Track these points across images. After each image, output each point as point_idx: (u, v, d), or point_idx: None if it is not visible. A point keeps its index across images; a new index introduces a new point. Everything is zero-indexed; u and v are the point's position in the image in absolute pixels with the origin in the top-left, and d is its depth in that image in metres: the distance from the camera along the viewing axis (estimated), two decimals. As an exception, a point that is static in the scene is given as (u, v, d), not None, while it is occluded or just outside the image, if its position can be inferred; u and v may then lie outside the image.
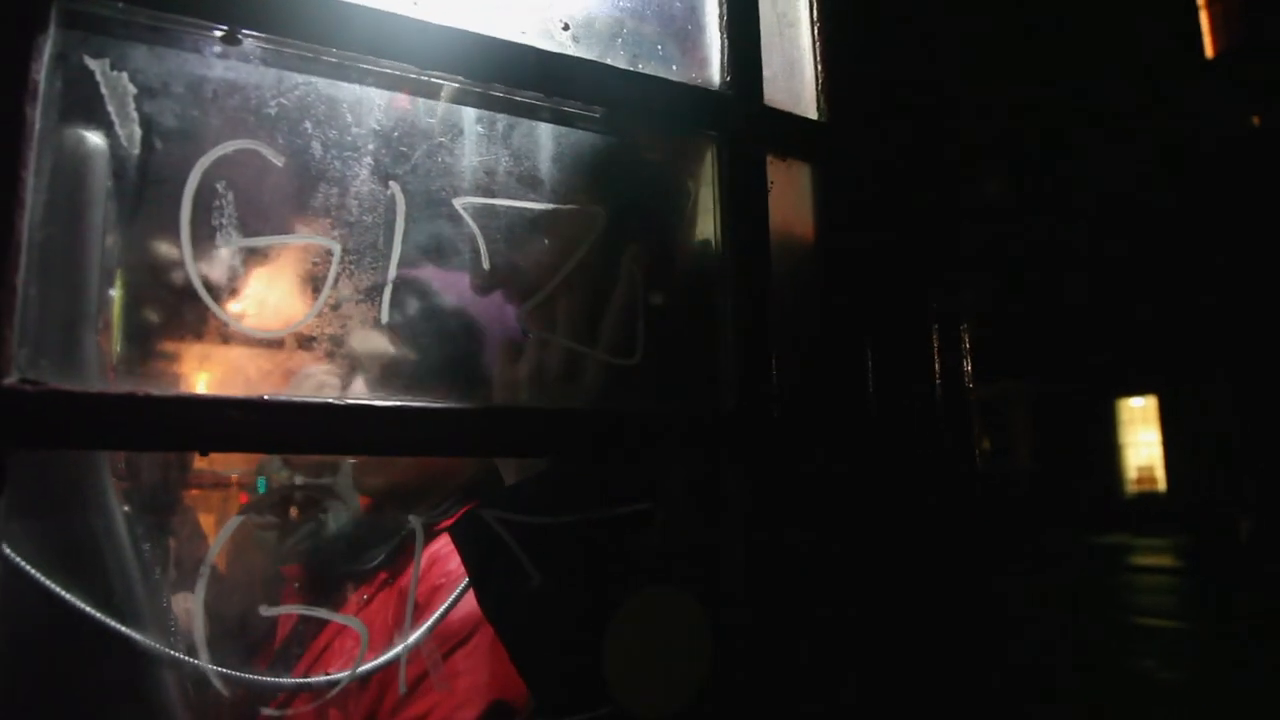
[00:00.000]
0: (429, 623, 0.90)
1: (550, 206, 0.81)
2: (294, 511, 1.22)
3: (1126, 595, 11.23)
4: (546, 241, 0.80)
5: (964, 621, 0.97)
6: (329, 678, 0.82)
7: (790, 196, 0.99)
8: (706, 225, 0.92)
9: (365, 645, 0.79)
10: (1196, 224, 14.52)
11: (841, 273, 1.00)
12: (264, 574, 1.15)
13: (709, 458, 0.86)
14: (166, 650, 0.70)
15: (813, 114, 1.02)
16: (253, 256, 0.72)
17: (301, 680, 0.85)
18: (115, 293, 1.01)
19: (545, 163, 0.82)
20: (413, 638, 0.82)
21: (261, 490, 1.49)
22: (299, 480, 1.42)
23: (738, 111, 0.92)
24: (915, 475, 0.96)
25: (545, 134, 0.83)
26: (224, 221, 0.70)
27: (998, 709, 0.98)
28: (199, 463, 1.57)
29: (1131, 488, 17.80)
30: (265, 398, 0.65)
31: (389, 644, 1.18)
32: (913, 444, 0.98)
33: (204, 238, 0.69)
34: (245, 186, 0.71)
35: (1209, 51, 16.42)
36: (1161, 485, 17.09)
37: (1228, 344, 14.25)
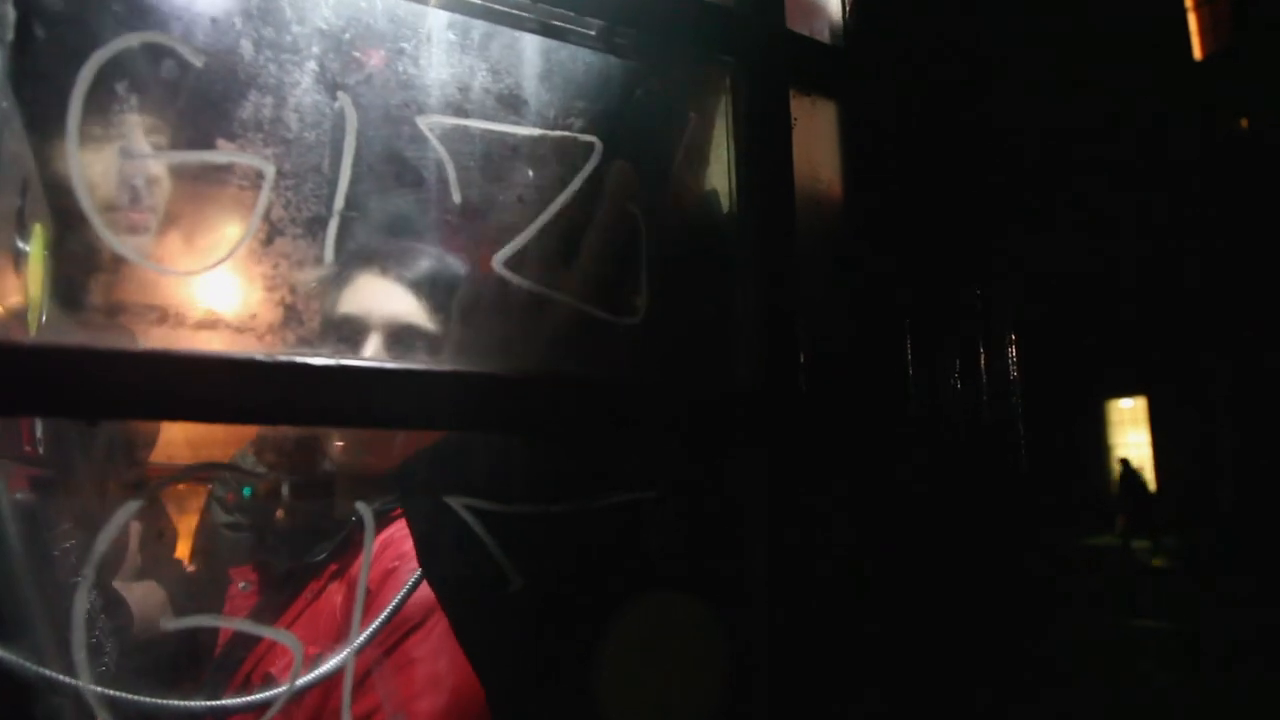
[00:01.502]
0: (371, 629, 0.76)
1: (536, 132, 0.67)
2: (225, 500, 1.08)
3: (1118, 596, 11.17)
4: (531, 173, 0.66)
5: (1004, 630, 0.85)
6: (247, 700, 0.68)
7: (815, 139, 0.86)
8: (720, 166, 0.78)
9: (299, 663, 0.65)
10: (1185, 226, 14.51)
11: (874, 232, 0.87)
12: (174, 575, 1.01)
13: (726, 438, 0.73)
14: (38, 669, 0.55)
15: (838, 44, 0.88)
16: (162, 177, 0.58)
17: (215, 704, 0.70)
18: (30, 247, 0.87)
19: (530, 81, 0.68)
20: (348, 649, 0.68)
21: (247, 494, 1.34)
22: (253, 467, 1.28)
23: (756, 33, 0.79)
24: (958, 467, 0.83)
25: (531, 48, 0.69)
26: (125, 132, 0.55)
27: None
28: (162, 449, 1.42)
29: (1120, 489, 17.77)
30: (168, 351, 0.51)
31: (338, 636, 1.04)
32: (955, 431, 0.85)
33: (99, 152, 0.55)
34: (155, 90, 0.57)
35: (1197, 54, 16.43)
36: (1151, 486, 17.07)
37: (1216, 346, 14.25)
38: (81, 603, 0.48)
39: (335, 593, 1.15)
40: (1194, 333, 14.57)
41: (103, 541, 0.49)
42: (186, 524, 1.43)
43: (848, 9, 0.89)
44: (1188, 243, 14.37)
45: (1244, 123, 15.27)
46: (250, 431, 1.14)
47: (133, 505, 0.59)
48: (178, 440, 1.41)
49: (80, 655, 0.48)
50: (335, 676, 0.98)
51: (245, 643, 1.04)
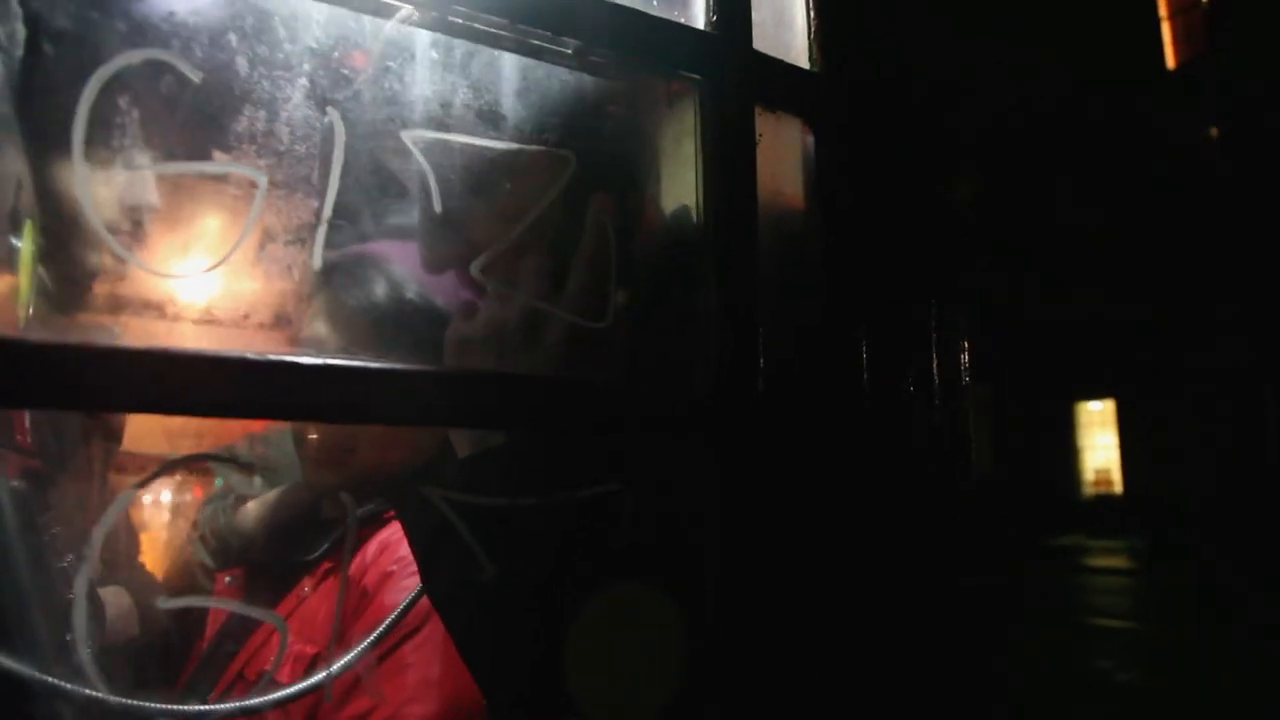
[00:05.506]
0: (374, 635, 0.80)
1: (513, 146, 0.72)
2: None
3: (1082, 596, 11.38)
4: (508, 185, 0.71)
5: (947, 627, 0.90)
6: (229, 706, 0.71)
7: (780, 154, 0.91)
8: (687, 179, 0.83)
9: (282, 650, 0.69)
10: (1157, 232, 14.78)
11: (835, 244, 0.92)
12: (182, 564, 1.04)
13: (684, 438, 0.77)
14: (34, 674, 0.59)
15: (804, 65, 0.93)
16: (161, 187, 0.62)
17: (200, 708, 0.74)
18: (21, 242, 0.89)
19: (508, 98, 0.73)
20: (349, 655, 0.72)
21: (219, 484, 1.36)
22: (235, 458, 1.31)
23: (723, 54, 0.83)
24: (909, 473, 0.89)
25: (509, 66, 0.74)
26: (127, 144, 0.59)
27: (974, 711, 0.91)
28: (140, 440, 1.44)
29: (1089, 490, 18.09)
30: (168, 349, 0.55)
31: (331, 634, 1.07)
32: (907, 439, 0.90)
33: (102, 162, 0.59)
34: (155, 105, 0.60)
35: (1170, 62, 16.73)
36: (1118, 487, 17.39)
37: (1181, 351, 14.55)
38: (82, 584, 0.51)
39: (329, 594, 1.17)
40: (1162, 335, 14.84)
41: (101, 528, 0.53)
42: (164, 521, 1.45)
43: (814, 30, 0.94)
44: (1157, 245, 14.63)
45: (1214, 131, 15.57)
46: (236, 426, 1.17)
47: (130, 494, 0.62)
48: (155, 432, 1.43)
49: (82, 626, 0.52)
50: (330, 682, 1.01)
51: (236, 637, 1.06)
